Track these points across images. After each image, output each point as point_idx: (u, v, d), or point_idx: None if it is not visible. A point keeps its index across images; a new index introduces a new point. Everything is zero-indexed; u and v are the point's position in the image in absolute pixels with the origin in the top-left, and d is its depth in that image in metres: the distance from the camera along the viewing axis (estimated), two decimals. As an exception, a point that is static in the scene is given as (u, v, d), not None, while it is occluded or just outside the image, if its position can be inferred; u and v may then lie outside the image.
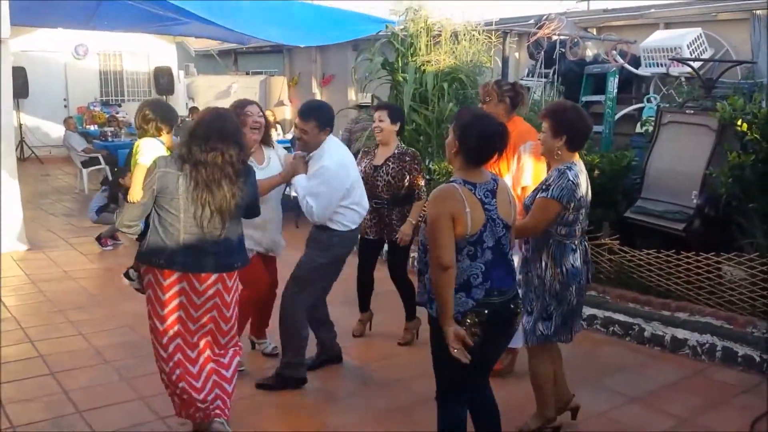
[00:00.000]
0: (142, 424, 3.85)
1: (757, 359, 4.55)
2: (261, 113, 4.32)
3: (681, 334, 4.94)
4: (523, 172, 4.23)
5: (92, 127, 14.27)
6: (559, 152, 3.47)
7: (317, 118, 4.16)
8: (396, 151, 4.93)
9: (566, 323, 3.59)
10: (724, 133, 5.42)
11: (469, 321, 2.82)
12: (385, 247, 5.27)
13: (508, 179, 4.10)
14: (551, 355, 3.71)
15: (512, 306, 2.97)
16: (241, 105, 4.27)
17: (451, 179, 2.93)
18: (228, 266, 3.47)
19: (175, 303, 3.42)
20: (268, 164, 4.40)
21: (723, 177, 5.11)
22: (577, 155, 3.56)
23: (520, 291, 3.31)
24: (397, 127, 4.96)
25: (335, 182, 4.10)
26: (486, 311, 2.84)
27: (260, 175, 4.05)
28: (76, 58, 16.08)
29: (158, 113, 4.24)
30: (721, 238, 5.28)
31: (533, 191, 3.56)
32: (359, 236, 4.91)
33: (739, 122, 4.98)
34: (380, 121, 4.89)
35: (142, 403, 4.08)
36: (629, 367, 4.74)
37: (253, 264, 4.18)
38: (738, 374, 4.57)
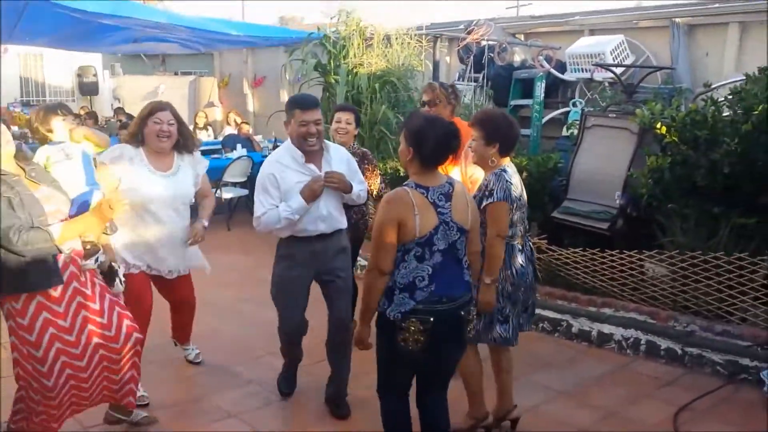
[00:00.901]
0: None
1: (679, 352, 4.74)
2: (172, 120, 3.99)
3: (607, 329, 5.10)
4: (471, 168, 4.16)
5: (13, 128, 13.71)
6: (493, 159, 3.53)
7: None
8: (351, 152, 4.87)
9: (519, 324, 3.65)
10: (644, 136, 5.63)
11: (413, 328, 2.82)
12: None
13: (456, 174, 4.08)
14: (503, 359, 3.75)
15: (462, 313, 2.95)
16: (151, 111, 3.96)
17: (404, 183, 2.94)
18: None
19: None
20: (176, 172, 4.06)
21: (643, 178, 5.30)
22: (508, 159, 3.62)
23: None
24: (357, 131, 4.96)
25: None
26: (431, 318, 2.83)
27: (165, 182, 3.95)
28: None
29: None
30: (643, 237, 5.47)
31: (476, 200, 3.52)
32: None
33: (658, 125, 5.18)
34: (347, 123, 4.81)
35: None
36: (558, 362, 4.86)
37: (135, 282, 3.94)
38: (661, 367, 4.74)
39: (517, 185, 3.53)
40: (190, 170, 4.17)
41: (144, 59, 17.35)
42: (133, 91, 15.35)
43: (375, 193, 4.94)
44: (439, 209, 2.87)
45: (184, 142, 4.11)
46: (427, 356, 2.90)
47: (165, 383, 4.42)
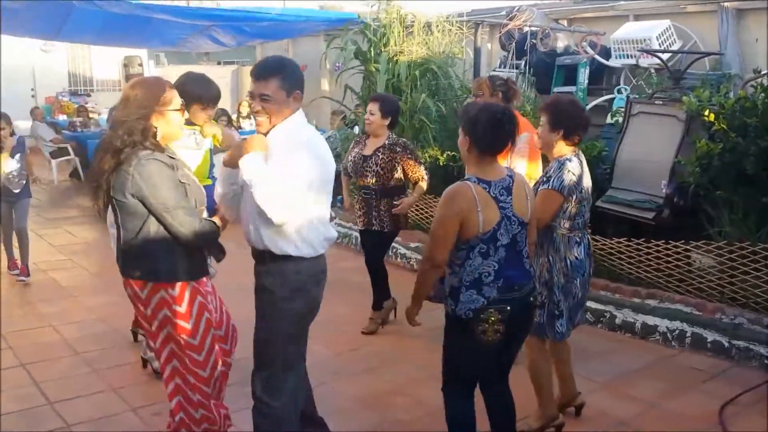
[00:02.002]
0: (113, 415, 3.82)
1: (726, 345, 4.64)
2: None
3: (651, 320, 5.01)
4: (515, 162, 4.15)
5: (61, 118, 14.04)
6: (557, 145, 3.50)
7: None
8: (387, 142, 4.95)
9: (571, 317, 3.62)
10: (691, 123, 5.50)
11: (492, 318, 2.81)
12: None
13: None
14: (563, 350, 3.73)
15: (531, 299, 2.98)
16: None
17: (465, 177, 2.93)
18: (126, 272, 2.94)
19: None
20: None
21: (691, 167, 5.19)
22: (574, 148, 3.55)
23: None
24: (387, 122, 4.94)
25: None
26: (508, 307, 2.83)
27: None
28: (43, 50, 15.79)
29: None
30: (689, 227, 5.37)
31: (534, 184, 3.52)
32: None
33: (706, 113, 5.06)
34: (371, 113, 4.92)
35: (114, 394, 4.06)
36: (600, 354, 4.80)
37: None
38: (707, 360, 4.65)
39: (580, 177, 3.48)
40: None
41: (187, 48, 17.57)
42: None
43: (419, 182, 4.99)
44: (500, 204, 2.83)
45: None
46: (502, 345, 2.91)
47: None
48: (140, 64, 16.48)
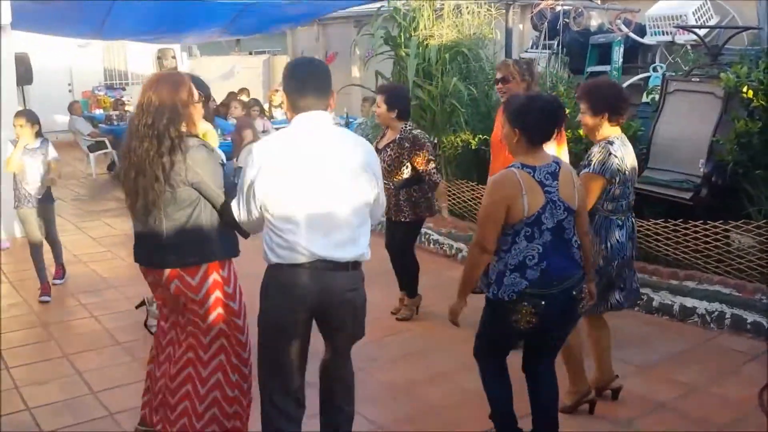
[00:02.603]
0: (155, 403, 3.89)
1: (766, 326, 4.55)
2: None
3: (690, 302, 4.95)
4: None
5: (98, 111, 14.29)
6: (601, 129, 3.53)
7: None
8: (398, 137, 4.84)
9: (603, 296, 3.63)
10: (730, 100, 5.37)
11: (524, 311, 2.88)
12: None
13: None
14: (602, 334, 3.77)
15: (574, 293, 2.97)
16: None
17: (511, 165, 2.96)
18: (177, 261, 2.98)
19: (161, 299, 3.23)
20: None
21: (729, 144, 5.08)
22: (618, 129, 3.57)
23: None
24: (394, 114, 4.84)
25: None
26: (543, 302, 2.87)
27: None
28: (80, 47, 16.05)
29: None
30: (728, 206, 5.26)
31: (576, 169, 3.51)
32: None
33: (744, 89, 4.93)
34: (377, 106, 4.88)
35: (155, 383, 4.13)
36: (638, 337, 4.75)
37: None
38: (747, 341, 4.58)
39: (623, 159, 3.49)
40: None
41: (219, 39, 17.70)
42: (209, 71, 15.70)
43: (427, 177, 4.89)
44: (546, 188, 2.87)
45: None
46: (538, 334, 2.99)
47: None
48: (173, 57, 16.68)
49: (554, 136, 3.00)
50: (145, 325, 4.48)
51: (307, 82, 2.81)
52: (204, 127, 3.88)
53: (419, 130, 5.02)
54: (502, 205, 2.85)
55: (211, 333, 3.06)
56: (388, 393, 4.06)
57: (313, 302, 2.75)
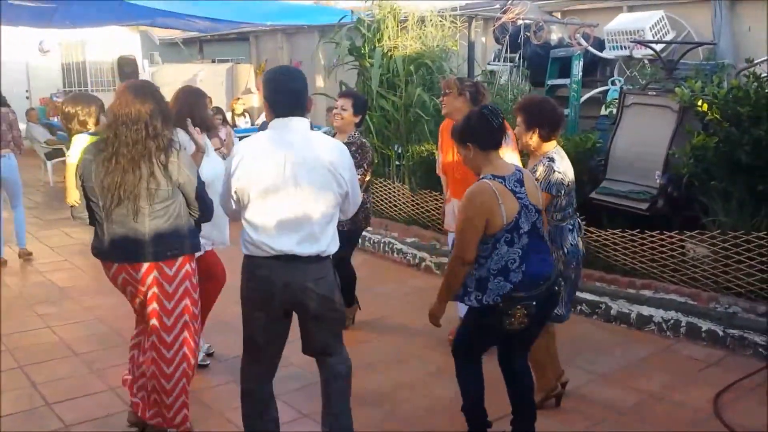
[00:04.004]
0: (112, 414, 3.84)
1: (721, 334, 4.65)
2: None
3: (646, 311, 5.03)
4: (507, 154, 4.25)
5: (56, 119, 14.03)
6: (536, 144, 3.66)
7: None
8: (347, 141, 4.80)
9: (569, 300, 3.81)
10: (685, 113, 5.50)
11: (519, 314, 3.02)
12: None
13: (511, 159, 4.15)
14: (547, 329, 3.82)
15: (556, 288, 3.20)
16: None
17: (481, 177, 3.08)
18: (158, 254, 3.23)
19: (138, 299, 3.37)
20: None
21: (685, 157, 5.20)
22: (554, 143, 3.71)
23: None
24: (358, 119, 4.90)
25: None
26: (534, 303, 3.03)
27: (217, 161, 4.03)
28: (42, 53, 15.78)
29: (77, 106, 4.26)
30: (684, 217, 5.39)
31: None
32: None
33: (699, 103, 5.06)
34: (343, 109, 4.84)
35: (113, 394, 4.07)
36: (597, 345, 4.82)
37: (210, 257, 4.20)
38: (702, 349, 4.67)
39: (565, 172, 3.63)
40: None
41: (181, 47, 17.55)
42: (172, 79, 15.51)
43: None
44: (517, 195, 3.02)
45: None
46: (524, 331, 3.13)
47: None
48: (135, 63, 16.47)
49: (504, 139, 3.16)
50: None
51: (285, 89, 3.00)
52: None
53: (365, 139, 5.07)
54: (481, 217, 2.95)
55: (178, 325, 3.33)
56: (355, 402, 4.03)
57: (281, 294, 2.94)
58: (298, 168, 2.89)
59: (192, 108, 3.99)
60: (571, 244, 3.70)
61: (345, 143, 4.75)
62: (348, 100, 4.88)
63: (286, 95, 2.99)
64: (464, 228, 3.01)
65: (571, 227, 3.73)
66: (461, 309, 4.22)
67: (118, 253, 3.24)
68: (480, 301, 3.02)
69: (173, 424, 3.42)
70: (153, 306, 3.30)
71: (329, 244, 3.00)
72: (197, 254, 3.53)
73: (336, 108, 4.83)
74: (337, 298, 3.10)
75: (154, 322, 3.32)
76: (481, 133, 3.08)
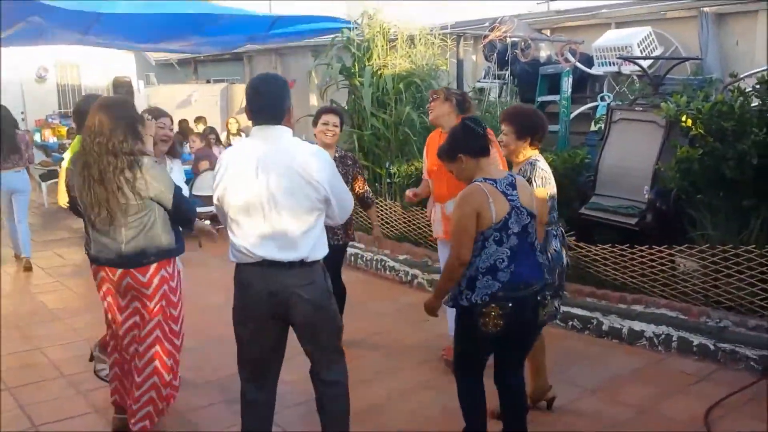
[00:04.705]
0: (99, 436, 3.81)
1: (712, 348, 4.65)
2: (171, 126, 4.34)
3: (638, 326, 5.02)
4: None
5: (52, 140, 14.06)
6: (523, 150, 3.76)
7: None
8: (337, 155, 4.86)
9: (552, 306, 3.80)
10: (672, 128, 5.53)
11: (493, 313, 3.06)
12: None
13: None
14: (538, 340, 3.86)
15: (539, 298, 3.25)
16: (156, 116, 4.13)
17: (474, 180, 3.17)
18: (131, 263, 3.40)
19: (108, 299, 3.58)
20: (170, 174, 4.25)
21: (671, 172, 5.22)
22: (537, 150, 3.82)
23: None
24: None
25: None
26: (510, 304, 3.07)
27: None
28: (40, 79, 15.85)
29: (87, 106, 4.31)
30: (673, 231, 5.39)
31: None
32: None
33: (683, 118, 5.09)
34: (334, 125, 4.85)
35: (98, 415, 4.05)
36: (588, 360, 4.81)
37: None
38: (694, 363, 4.66)
39: (550, 173, 3.75)
40: (179, 174, 4.48)
41: (176, 67, 17.65)
42: (167, 99, 15.59)
43: (364, 198, 5.05)
44: (509, 197, 3.11)
45: (173, 148, 4.47)
46: (506, 338, 3.16)
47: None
48: (130, 84, 16.55)
49: (490, 145, 3.25)
50: (95, 372, 4.33)
51: (262, 97, 3.03)
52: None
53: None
54: (472, 214, 3.04)
55: (150, 324, 3.49)
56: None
57: (268, 299, 2.98)
58: (272, 177, 2.92)
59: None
60: (555, 250, 3.76)
61: (339, 157, 4.86)
62: (336, 116, 4.91)
63: (261, 103, 3.03)
64: (457, 228, 3.10)
65: (555, 233, 3.79)
66: (452, 327, 4.25)
67: (100, 257, 3.45)
68: (470, 300, 3.08)
69: (133, 429, 3.53)
70: (129, 309, 3.52)
71: (311, 250, 3.00)
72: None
73: (327, 124, 4.82)
74: (330, 304, 3.11)
75: (129, 323, 3.53)
76: (469, 141, 3.19)
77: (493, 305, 3.05)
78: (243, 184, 2.95)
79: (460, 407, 3.37)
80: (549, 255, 3.71)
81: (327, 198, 3.02)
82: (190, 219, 3.66)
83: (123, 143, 3.28)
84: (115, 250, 3.38)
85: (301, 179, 2.93)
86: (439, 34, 8.06)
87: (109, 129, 3.26)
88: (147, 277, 3.42)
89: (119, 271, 3.41)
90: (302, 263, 2.98)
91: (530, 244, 3.18)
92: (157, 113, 4.17)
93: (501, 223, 3.06)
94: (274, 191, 2.92)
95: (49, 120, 15.46)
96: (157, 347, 3.51)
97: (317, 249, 3.04)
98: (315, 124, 4.89)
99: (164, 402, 3.60)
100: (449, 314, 4.07)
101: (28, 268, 7.52)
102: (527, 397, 3.51)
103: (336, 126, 4.85)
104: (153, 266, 3.43)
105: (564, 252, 3.86)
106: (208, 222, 4.33)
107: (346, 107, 8.10)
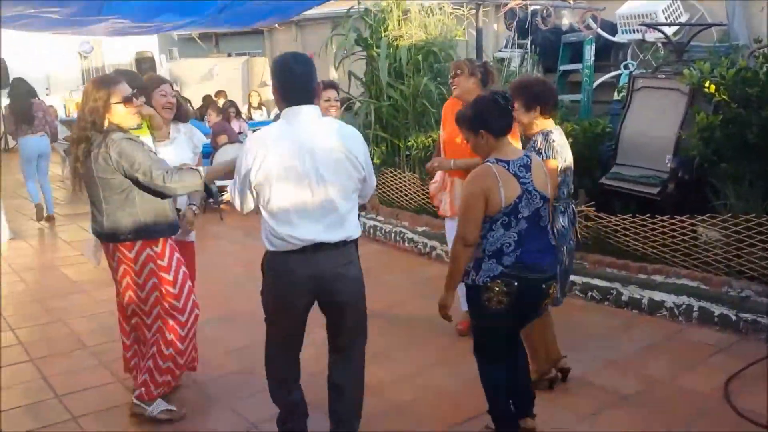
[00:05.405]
0: (120, 405, 3.88)
1: (733, 318, 4.59)
2: (172, 93, 4.26)
3: (658, 296, 4.97)
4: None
5: (76, 115, 14.16)
6: (536, 122, 3.70)
7: None
8: None
9: (562, 285, 3.78)
10: (695, 96, 5.41)
11: (497, 289, 3.01)
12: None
13: None
14: (547, 316, 3.86)
15: (544, 286, 3.12)
16: (156, 83, 4.16)
17: (486, 160, 3.10)
18: (116, 238, 3.46)
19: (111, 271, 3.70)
20: (173, 141, 4.22)
21: (694, 139, 5.12)
22: (551, 121, 3.76)
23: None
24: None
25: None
26: (516, 283, 3.01)
27: (164, 152, 3.96)
28: (85, 56, 15.98)
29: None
30: (695, 201, 5.31)
31: None
32: None
33: (707, 84, 4.97)
34: (336, 100, 4.88)
35: (120, 385, 4.11)
36: (607, 332, 4.77)
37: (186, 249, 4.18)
38: (715, 334, 4.61)
39: (563, 146, 3.68)
40: (187, 140, 4.37)
41: (198, 42, 17.65)
42: (189, 73, 15.64)
43: None
44: (521, 180, 3.02)
45: (179, 113, 4.32)
46: (509, 318, 3.12)
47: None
48: (152, 59, 16.60)
49: (513, 127, 3.16)
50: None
51: (294, 77, 2.95)
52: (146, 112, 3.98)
53: None
54: (480, 197, 2.97)
55: (151, 300, 3.56)
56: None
57: (308, 283, 2.94)
58: (318, 157, 2.88)
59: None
60: (562, 226, 3.71)
61: None
62: (334, 91, 4.92)
63: (295, 83, 2.95)
64: (465, 209, 3.04)
65: (563, 210, 3.73)
66: (464, 301, 4.34)
67: (96, 229, 3.58)
68: (474, 281, 3.06)
69: (137, 394, 3.66)
70: (126, 281, 3.58)
71: (354, 229, 3.02)
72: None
73: (329, 100, 4.83)
74: (360, 284, 3.13)
75: (129, 295, 3.59)
76: (494, 119, 3.08)
77: (498, 281, 3.00)
78: (289, 169, 2.86)
79: (483, 387, 3.33)
80: (554, 232, 3.58)
81: (365, 176, 3.04)
82: (165, 195, 3.49)
83: (91, 126, 3.34)
84: (100, 223, 3.48)
85: (344, 159, 2.93)
86: (457, 3, 7.93)
87: (83, 108, 3.38)
88: (133, 253, 3.46)
89: (111, 244, 3.50)
90: (345, 243, 2.99)
91: (542, 228, 3.11)
92: (156, 82, 4.15)
93: (510, 207, 2.99)
94: (323, 172, 2.88)
95: (73, 95, 15.59)
96: (160, 322, 3.60)
97: (357, 228, 3.06)
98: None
99: (166, 375, 3.64)
100: (460, 289, 4.06)
101: (40, 217, 8.64)
102: (528, 360, 3.50)
103: (337, 100, 4.90)
104: (138, 243, 3.45)
105: (572, 232, 3.79)
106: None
107: (364, 78, 8.04)
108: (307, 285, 2.95)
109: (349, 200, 2.99)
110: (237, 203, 3.04)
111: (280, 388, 3.23)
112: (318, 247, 2.90)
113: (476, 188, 3.00)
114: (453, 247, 3.11)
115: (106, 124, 3.37)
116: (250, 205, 2.99)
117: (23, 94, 8.44)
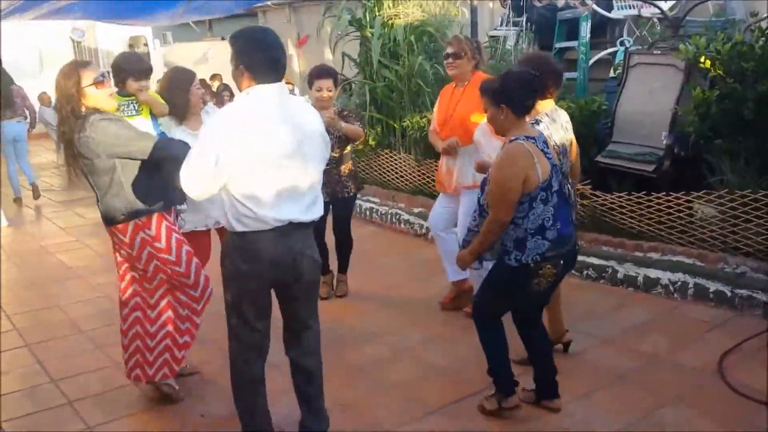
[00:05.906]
0: (116, 388, 3.89)
1: (729, 294, 4.59)
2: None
3: (653, 273, 4.97)
4: None
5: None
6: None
7: None
8: (335, 110, 4.96)
9: None
10: (691, 71, 5.37)
11: (547, 272, 3.12)
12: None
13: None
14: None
15: (576, 247, 3.32)
16: (192, 77, 4.16)
17: (512, 138, 3.11)
18: (110, 221, 3.46)
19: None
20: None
21: (690, 116, 5.08)
22: (551, 102, 3.73)
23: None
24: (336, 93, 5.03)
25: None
26: (561, 261, 3.16)
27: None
28: (78, 40, 15.89)
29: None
30: (691, 177, 5.28)
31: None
32: None
33: (702, 59, 4.93)
34: (328, 90, 4.84)
35: (116, 369, 4.09)
36: (602, 309, 4.78)
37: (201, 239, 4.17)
38: (710, 310, 4.61)
39: (550, 136, 3.58)
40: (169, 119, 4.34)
41: (192, 26, 17.51)
42: (183, 57, 15.52)
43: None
44: (547, 155, 3.10)
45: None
46: (546, 295, 3.34)
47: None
48: (145, 44, 16.47)
49: (535, 105, 3.25)
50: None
51: (272, 52, 2.79)
52: (145, 100, 3.98)
53: None
54: (519, 178, 3.00)
55: (154, 282, 3.54)
56: (349, 373, 4.05)
57: (282, 265, 2.84)
58: (301, 135, 2.79)
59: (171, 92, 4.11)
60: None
61: (338, 112, 4.94)
62: (328, 79, 4.88)
63: (272, 59, 2.77)
64: (502, 190, 3.04)
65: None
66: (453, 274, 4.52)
67: (100, 210, 3.55)
68: (519, 260, 3.09)
69: (154, 378, 3.63)
70: (125, 265, 3.59)
71: (320, 209, 2.97)
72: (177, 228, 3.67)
73: (320, 91, 4.79)
74: (320, 264, 3.11)
75: (129, 276, 3.59)
76: (520, 96, 3.11)
77: (549, 265, 3.09)
78: (270, 147, 2.73)
79: (484, 351, 3.39)
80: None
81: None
82: (162, 162, 3.42)
83: (69, 110, 3.33)
84: (98, 207, 3.50)
85: (321, 140, 2.93)
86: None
87: (59, 99, 3.37)
88: (128, 236, 3.44)
89: (109, 228, 3.51)
90: (312, 223, 2.93)
91: (566, 200, 3.23)
92: (192, 76, 4.16)
93: (546, 182, 3.04)
94: (307, 150, 2.82)
95: (67, 81, 15.46)
96: (168, 299, 3.60)
97: (321, 209, 3.00)
98: (310, 87, 4.92)
99: (184, 350, 3.68)
100: (473, 274, 4.11)
101: (36, 195, 9.15)
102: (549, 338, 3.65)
103: (330, 90, 4.87)
104: (130, 225, 3.42)
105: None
106: None
107: (358, 59, 7.98)
108: (276, 267, 2.82)
109: (320, 180, 2.97)
110: (196, 187, 2.77)
111: (243, 387, 3.08)
112: (294, 226, 2.81)
113: (513, 171, 3.01)
114: (488, 228, 3.11)
115: (83, 109, 3.36)
116: (214, 189, 2.75)
117: (6, 81, 9.15)
